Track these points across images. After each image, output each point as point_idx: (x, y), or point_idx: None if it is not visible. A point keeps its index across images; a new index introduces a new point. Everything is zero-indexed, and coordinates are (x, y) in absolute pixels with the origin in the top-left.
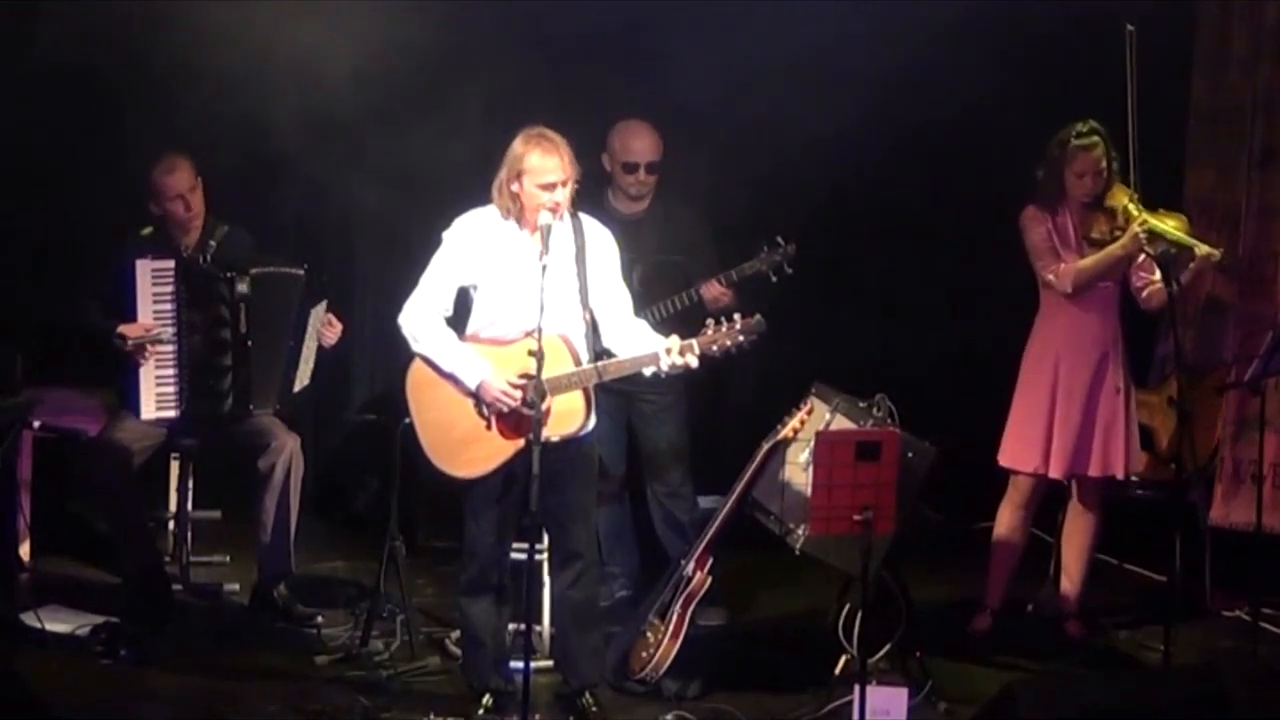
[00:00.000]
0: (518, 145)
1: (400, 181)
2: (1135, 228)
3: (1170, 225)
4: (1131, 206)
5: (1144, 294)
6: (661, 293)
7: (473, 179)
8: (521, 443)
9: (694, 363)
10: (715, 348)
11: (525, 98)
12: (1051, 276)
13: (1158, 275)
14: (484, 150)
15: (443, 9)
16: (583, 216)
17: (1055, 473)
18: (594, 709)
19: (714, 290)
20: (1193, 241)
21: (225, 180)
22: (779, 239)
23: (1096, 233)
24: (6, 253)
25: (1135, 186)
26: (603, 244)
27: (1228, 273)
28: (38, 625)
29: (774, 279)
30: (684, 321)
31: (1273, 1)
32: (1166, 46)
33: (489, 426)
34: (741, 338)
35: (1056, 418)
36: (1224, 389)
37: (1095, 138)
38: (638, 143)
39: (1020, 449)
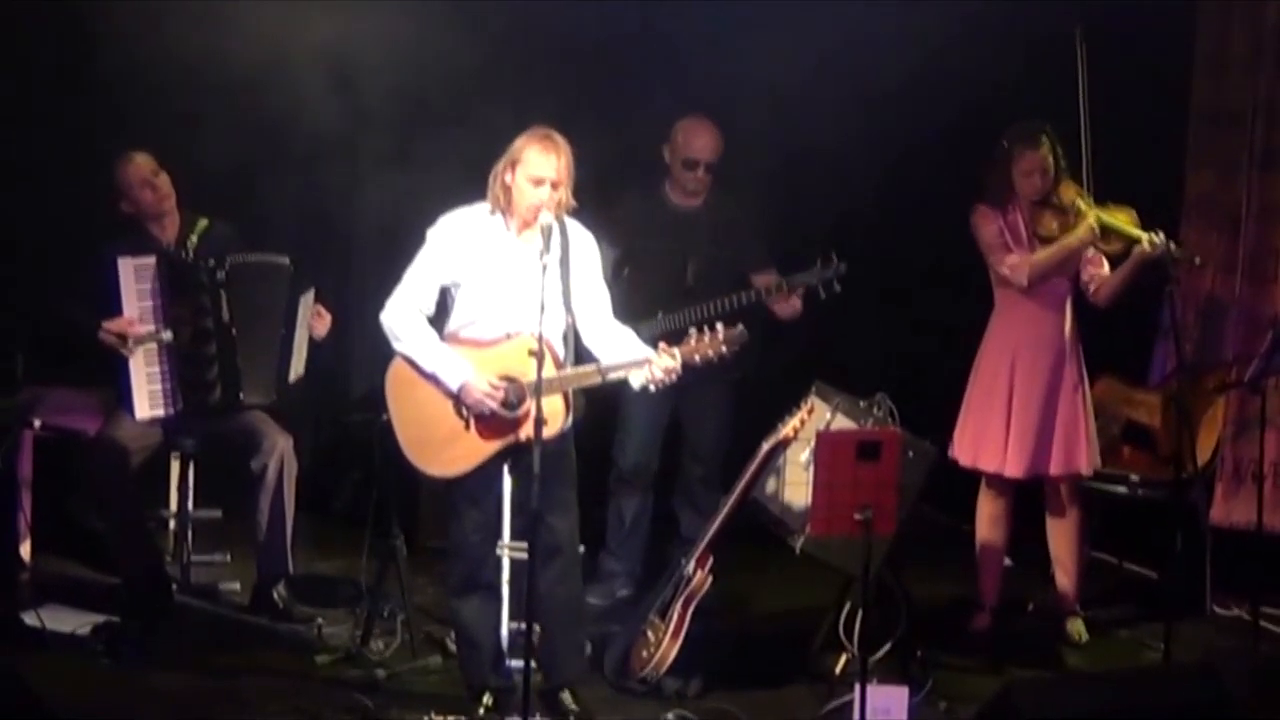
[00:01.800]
0: (521, 138)
1: (400, 179)
2: (1090, 219)
3: (1120, 218)
4: (1080, 202)
5: (1092, 288)
6: (715, 287)
7: (475, 177)
8: (499, 443)
9: (677, 368)
10: (697, 357)
11: (532, 97)
12: (1007, 271)
13: (1106, 269)
14: (486, 148)
15: (451, 9)
16: (566, 219)
17: (1014, 472)
18: (573, 707)
19: (786, 308)
20: (1139, 233)
21: (225, 177)
22: (833, 255)
23: (1045, 229)
24: (10, 252)
25: (1088, 183)
26: (584, 247)
27: (1181, 263)
28: (38, 625)
29: (823, 295)
30: (739, 320)
31: (1273, 2)
32: (1166, 46)
33: (468, 427)
34: (724, 348)
35: (1014, 417)
36: (1224, 388)
37: (1041, 136)
38: (700, 141)
39: (981, 448)
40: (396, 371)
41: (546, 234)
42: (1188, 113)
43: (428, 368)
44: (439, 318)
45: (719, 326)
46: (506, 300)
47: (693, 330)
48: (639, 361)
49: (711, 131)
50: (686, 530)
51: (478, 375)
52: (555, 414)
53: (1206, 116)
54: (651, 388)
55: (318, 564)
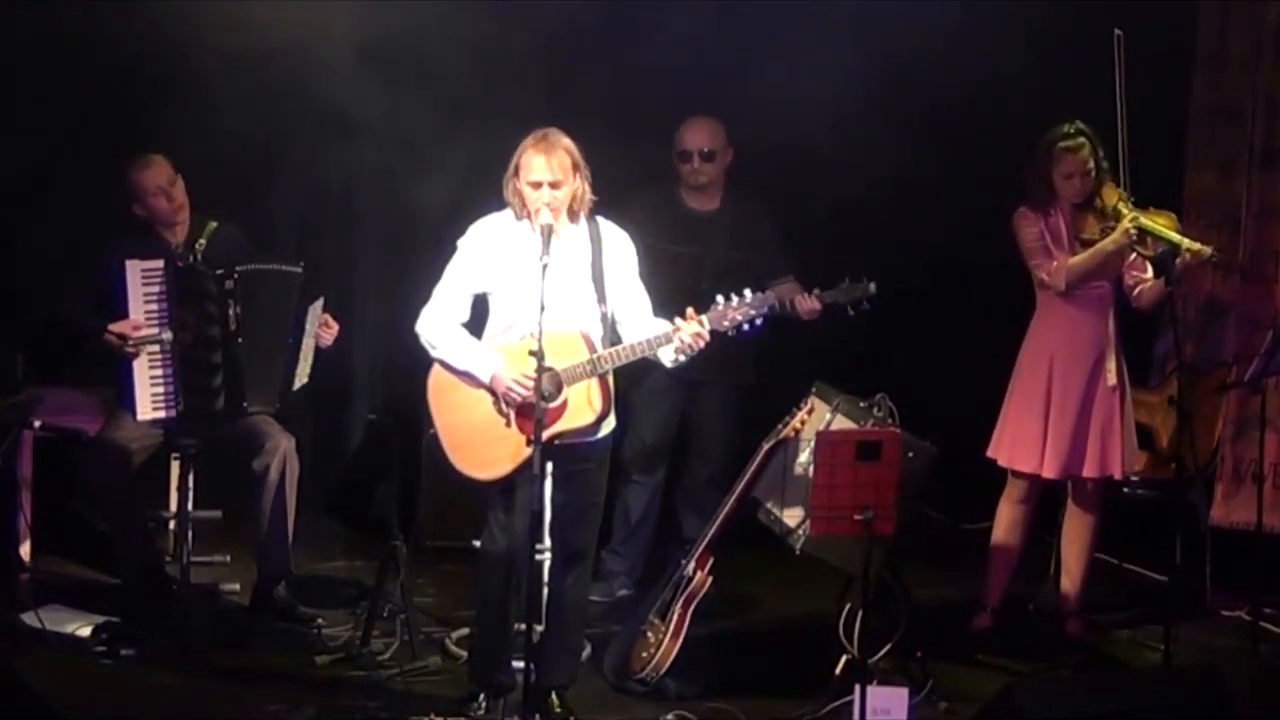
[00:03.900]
0: (523, 142)
1: (403, 181)
2: (1126, 223)
3: (1161, 223)
4: (1121, 205)
5: (1135, 291)
6: (730, 291)
7: (477, 180)
8: (543, 438)
9: (705, 334)
10: (726, 322)
11: (536, 99)
12: (1045, 275)
13: (1150, 274)
14: (490, 150)
15: (460, 10)
16: (599, 220)
17: (1050, 473)
18: (558, 710)
19: (807, 304)
20: (1182, 239)
21: (225, 178)
22: (863, 276)
23: (1087, 233)
24: (18, 251)
25: (1126, 186)
26: (619, 247)
27: (1219, 270)
28: (38, 625)
29: (851, 313)
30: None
31: (1273, 1)
32: (1166, 46)
33: (508, 424)
34: (752, 312)
35: (1052, 418)
36: (1224, 388)
37: (1081, 139)
38: (689, 133)
39: (1019, 449)
40: (435, 379)
41: (545, 235)
42: (1188, 111)
43: (461, 366)
44: (478, 327)
45: (746, 292)
46: (538, 301)
47: (720, 297)
48: (664, 335)
49: (705, 124)
50: (690, 532)
51: (508, 366)
52: (586, 404)
53: (1206, 115)
54: (682, 357)
55: (318, 565)
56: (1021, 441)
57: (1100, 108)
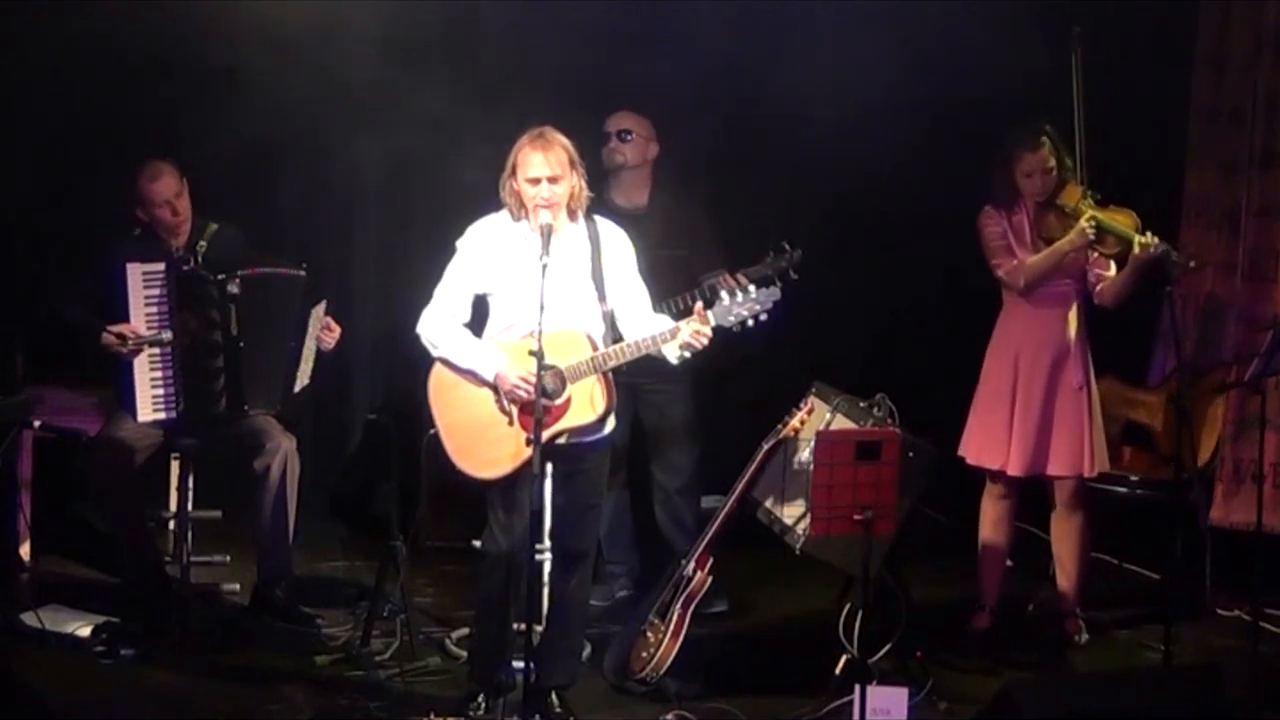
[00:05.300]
0: (518, 141)
1: (402, 181)
2: (1083, 222)
3: (1120, 220)
4: (1082, 204)
5: (1097, 289)
6: (664, 288)
7: (476, 180)
8: (545, 437)
9: (708, 332)
10: (731, 318)
11: (539, 102)
12: (1003, 274)
13: (1111, 271)
14: (488, 150)
15: (457, 7)
16: (597, 218)
17: (1015, 470)
18: (558, 710)
19: (729, 283)
20: (1137, 235)
21: (228, 178)
22: (785, 244)
23: (1048, 231)
24: (17, 251)
25: (1084, 184)
26: (617, 243)
27: (1179, 268)
28: (38, 625)
29: (778, 284)
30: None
31: (1273, 1)
32: (1166, 46)
33: (511, 422)
34: (758, 307)
35: (1016, 416)
36: (1224, 388)
37: (1041, 137)
38: (609, 119)
39: (984, 446)
40: (437, 378)
41: (545, 235)
42: (1188, 111)
43: (464, 364)
44: (478, 327)
45: (751, 288)
46: (538, 301)
47: (724, 294)
48: (667, 333)
49: (626, 112)
50: (680, 546)
51: (512, 364)
52: (591, 403)
53: (1206, 115)
54: (687, 354)
55: (318, 565)
56: (988, 438)
57: (1100, 106)
